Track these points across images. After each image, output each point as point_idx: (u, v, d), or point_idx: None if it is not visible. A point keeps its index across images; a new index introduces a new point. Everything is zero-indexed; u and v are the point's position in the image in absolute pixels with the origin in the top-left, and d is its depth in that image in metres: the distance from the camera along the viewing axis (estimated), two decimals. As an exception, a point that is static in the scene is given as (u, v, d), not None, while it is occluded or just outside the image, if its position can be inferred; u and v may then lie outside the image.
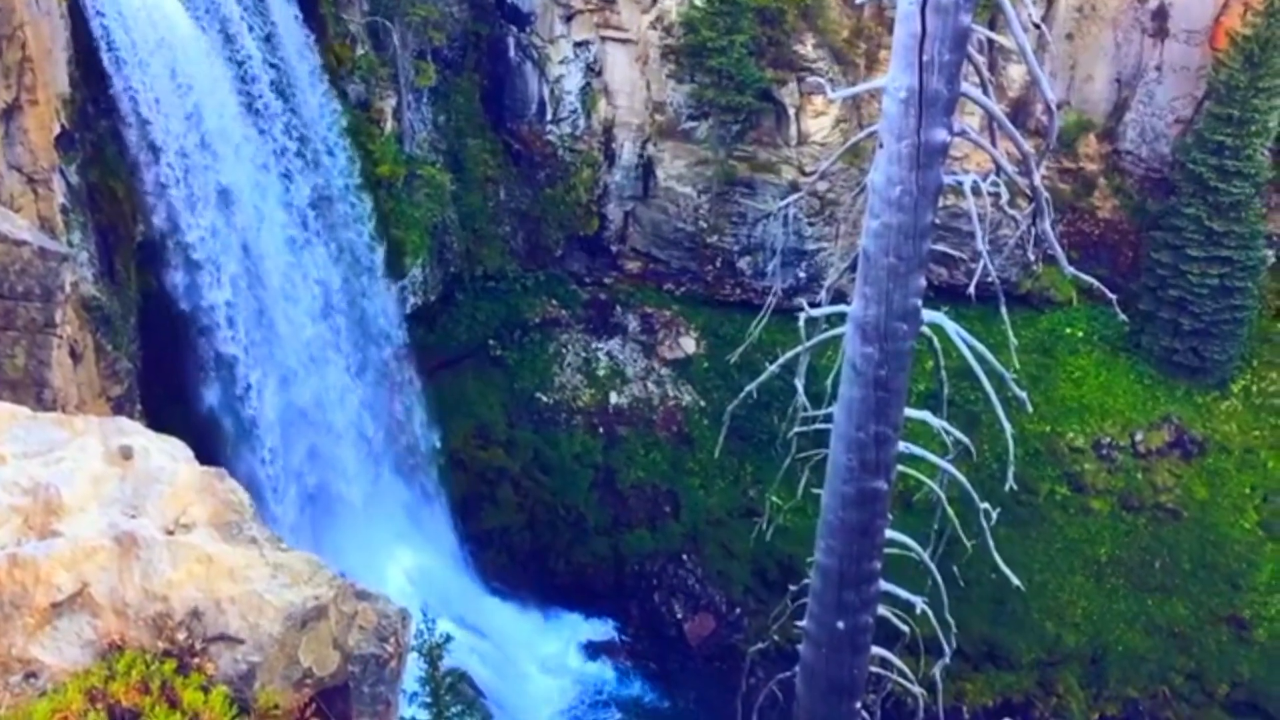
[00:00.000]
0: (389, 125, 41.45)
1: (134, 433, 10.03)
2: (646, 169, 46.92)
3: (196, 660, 8.60)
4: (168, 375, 33.46)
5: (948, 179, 13.71)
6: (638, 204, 47.81)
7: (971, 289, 15.09)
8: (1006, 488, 18.84)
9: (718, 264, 47.53)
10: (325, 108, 37.62)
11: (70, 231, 28.49)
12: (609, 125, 46.61)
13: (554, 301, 48.56)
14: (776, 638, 21.03)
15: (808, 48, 43.18)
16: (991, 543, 16.63)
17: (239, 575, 8.92)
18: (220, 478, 9.84)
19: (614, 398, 47.10)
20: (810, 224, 46.05)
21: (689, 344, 48.18)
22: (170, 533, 9.14)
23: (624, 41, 45.13)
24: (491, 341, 47.44)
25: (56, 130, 27.97)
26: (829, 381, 15.88)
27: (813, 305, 16.25)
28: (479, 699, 35.87)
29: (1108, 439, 44.71)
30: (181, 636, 8.62)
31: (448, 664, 27.37)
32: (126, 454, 9.60)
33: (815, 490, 16.75)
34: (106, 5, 29.23)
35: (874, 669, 17.77)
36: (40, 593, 8.50)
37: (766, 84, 43.26)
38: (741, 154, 44.98)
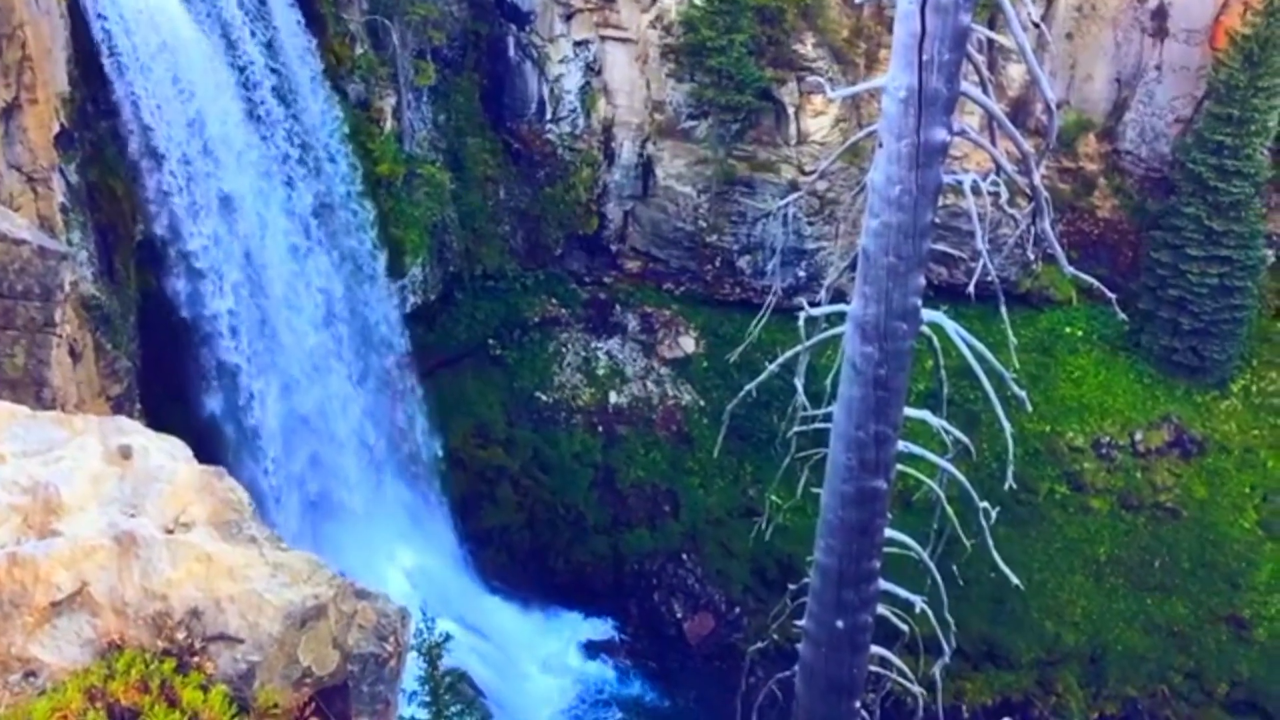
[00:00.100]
0: (388, 124, 41.45)
1: (133, 432, 10.02)
2: (646, 168, 46.92)
3: (196, 659, 8.59)
4: (167, 375, 33.44)
5: (947, 178, 13.71)
6: (637, 203, 47.81)
7: (971, 288, 15.09)
8: (1006, 487, 18.85)
9: (717, 263, 47.53)
10: (327, 114, 37.50)
11: (70, 230, 28.48)
12: (608, 124, 46.62)
13: (553, 301, 48.56)
14: (776, 637, 21.03)
15: (807, 47, 43.18)
16: (991, 542, 16.63)
17: (238, 574, 8.92)
18: (219, 476, 9.84)
19: (613, 397, 47.10)
20: (810, 223, 46.05)
21: (688, 343, 48.18)
22: (170, 532, 9.14)
23: (623, 41, 45.13)
24: (491, 341, 47.44)
25: (56, 129, 27.96)
26: (828, 381, 15.88)
27: (812, 304, 16.24)
28: (478, 698, 35.87)
29: (1107, 438, 44.72)
30: (181, 635, 8.62)
31: (447, 663, 27.38)
32: (126, 453, 9.60)
33: (815, 489, 16.75)
34: (108, 8, 29.02)
35: (873, 668, 17.77)
36: (39, 592, 8.50)
37: (766, 83, 43.26)
38: (741, 153, 44.98)
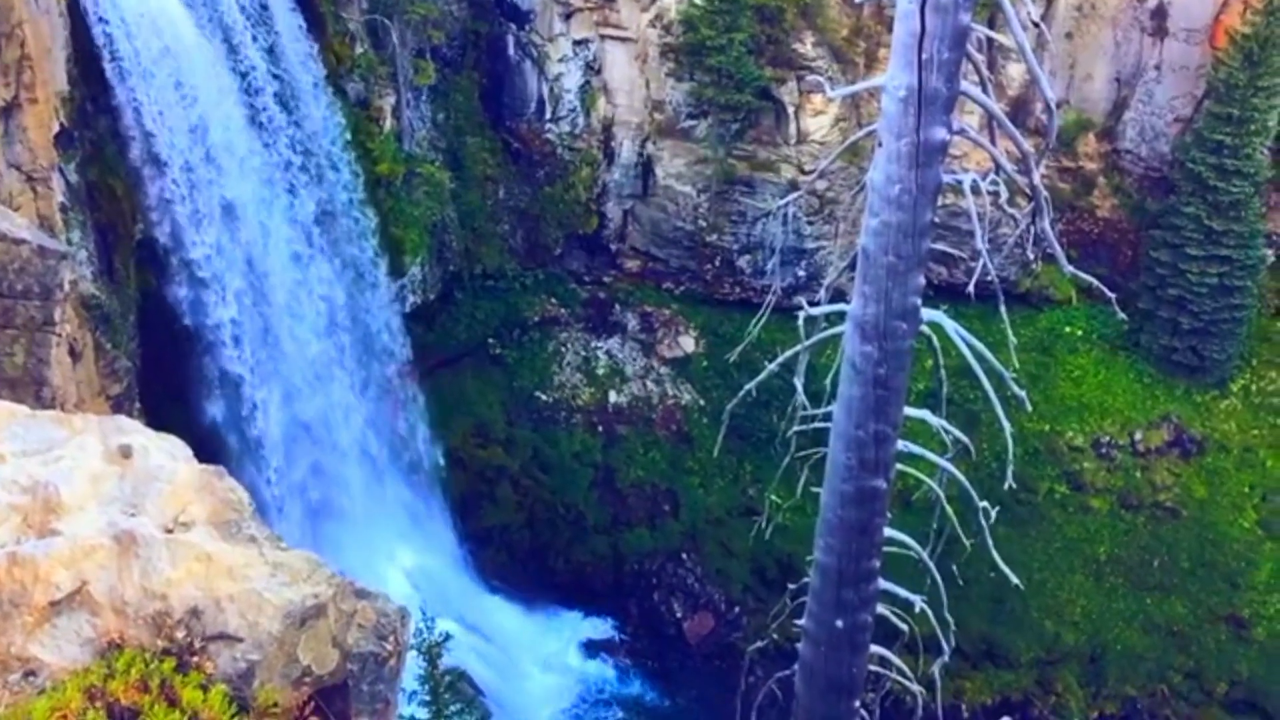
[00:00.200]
0: (388, 123, 41.45)
1: (133, 431, 10.02)
2: (646, 167, 46.92)
3: (195, 658, 8.60)
4: (167, 374, 33.40)
5: (947, 177, 13.70)
6: (637, 202, 47.81)
7: (971, 288, 15.08)
8: (1005, 486, 18.85)
9: (717, 263, 47.53)
10: (329, 120, 37.34)
11: (69, 230, 28.46)
12: (608, 124, 46.61)
13: (553, 300, 48.55)
14: (775, 636, 21.03)
15: (807, 46, 43.18)
16: (990, 541, 16.63)
17: (238, 574, 8.92)
18: (219, 476, 9.84)
19: (613, 396, 47.10)
20: (809, 222, 46.04)
21: (688, 343, 48.18)
22: (169, 531, 9.14)
23: (623, 40, 45.12)
24: (491, 340, 47.44)
25: (55, 128, 27.95)
26: (828, 380, 15.88)
27: (812, 304, 16.23)
28: (478, 697, 35.87)
29: (1107, 438, 44.72)
30: (180, 635, 8.62)
31: (447, 662, 27.39)
32: (125, 452, 9.60)
33: (814, 489, 16.75)
34: (109, 12, 28.73)
35: (873, 667, 17.77)
36: (39, 591, 8.50)
37: (766, 82, 43.26)
38: (741, 152, 44.98)
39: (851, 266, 14.75)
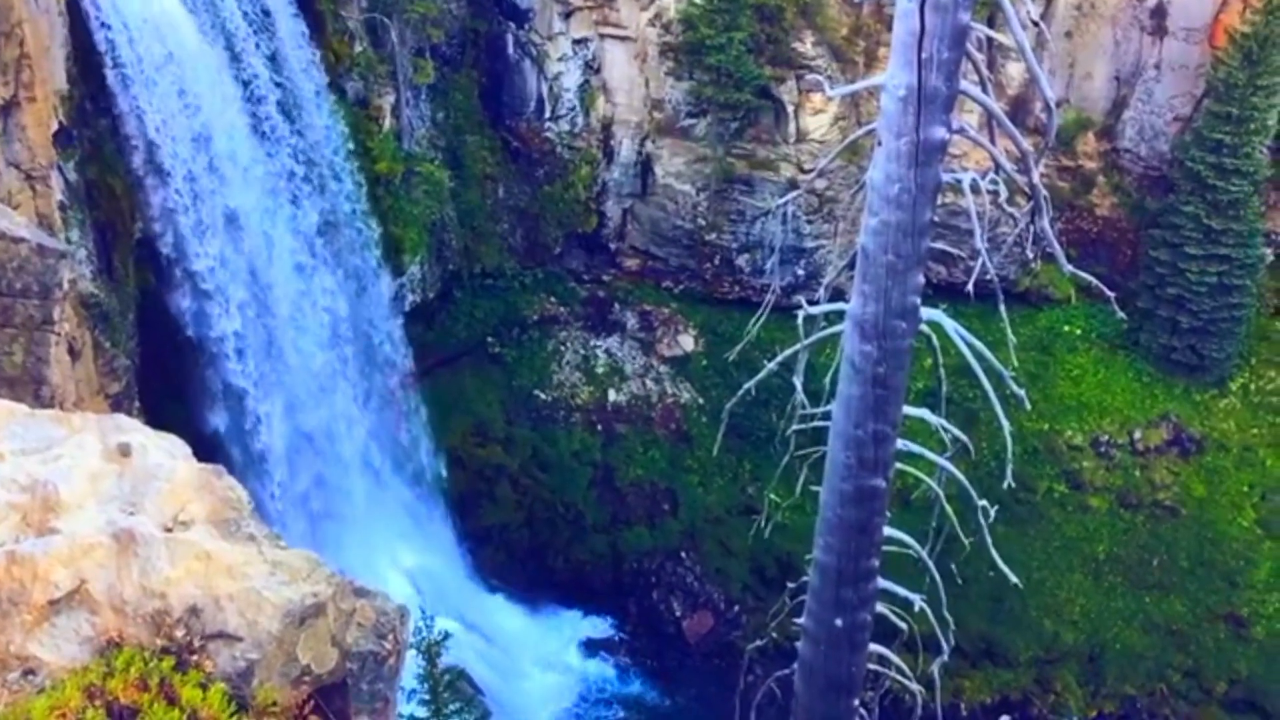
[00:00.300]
0: (387, 122, 41.43)
1: (132, 430, 10.02)
2: (645, 166, 46.91)
3: (195, 657, 8.60)
4: (167, 375, 33.34)
5: (946, 176, 13.70)
6: (636, 201, 47.80)
7: (970, 287, 15.09)
8: (1005, 485, 18.86)
9: (716, 261, 47.53)
10: (332, 130, 37.07)
11: (68, 229, 28.43)
12: (607, 123, 46.60)
13: (552, 299, 48.54)
14: (775, 635, 21.04)
15: (806, 45, 43.18)
16: (990, 540, 16.63)
17: (237, 572, 8.92)
18: (218, 475, 9.85)
19: (612, 395, 47.10)
20: (809, 221, 46.05)
21: (687, 341, 48.18)
22: (168, 530, 9.14)
23: (623, 39, 45.11)
24: (490, 339, 47.43)
25: (54, 127, 27.92)
26: (827, 379, 15.87)
27: (811, 303, 16.23)
28: (477, 696, 35.84)
29: (1106, 437, 44.73)
30: (180, 634, 8.62)
31: (446, 661, 27.37)
32: (125, 451, 9.60)
33: (814, 488, 16.75)
34: (112, 17, 28.36)
35: (872, 666, 17.77)
36: (38, 590, 8.49)
37: (765, 81, 43.26)
38: (740, 151, 44.98)
39: (851, 265, 14.75)
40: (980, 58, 13.48)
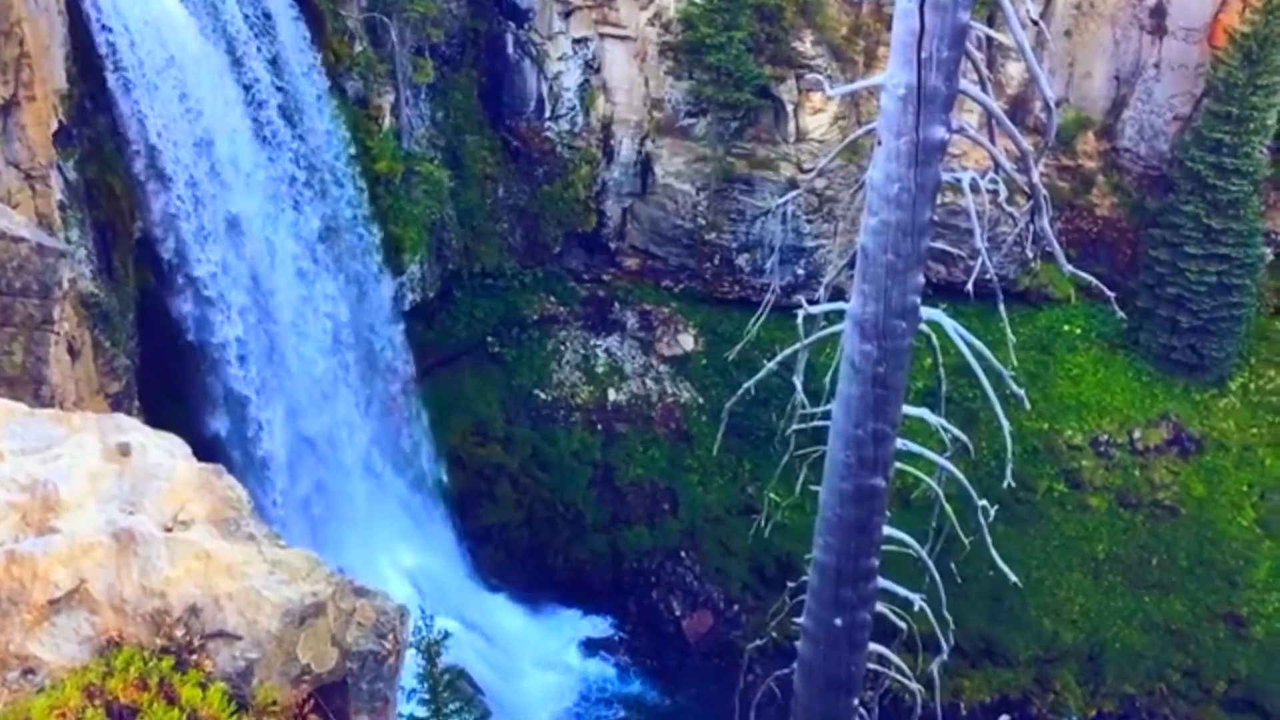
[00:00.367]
0: (387, 122, 41.42)
1: (131, 429, 10.02)
2: (645, 166, 46.91)
3: (194, 657, 8.60)
4: (167, 375, 33.30)
5: (946, 176, 13.70)
6: (636, 201, 47.80)
7: (970, 286, 15.08)
8: (1004, 485, 18.86)
9: (716, 261, 47.53)
10: (333, 135, 36.88)
11: (68, 228, 28.42)
12: (607, 122, 46.60)
13: (552, 298, 48.54)
14: (774, 634, 21.05)
15: (806, 44, 43.17)
16: (989, 540, 16.63)
17: (237, 572, 8.92)
18: (218, 474, 9.85)
19: (612, 395, 47.10)
20: (809, 221, 46.04)
21: (687, 341, 48.17)
22: (168, 529, 9.14)
23: (622, 38, 45.11)
24: (490, 338, 47.43)
25: (54, 126, 27.90)
26: (827, 379, 15.87)
27: (811, 302, 16.23)
28: (477, 696, 35.83)
29: (1106, 436, 44.74)
30: (179, 633, 8.62)
31: (446, 661, 27.35)
32: (124, 450, 9.60)
33: (813, 487, 16.75)
34: (113, 19, 28.13)
35: (872, 665, 17.78)
36: (38, 589, 8.49)
37: (765, 81, 43.26)
38: (740, 151, 44.97)
39: (850, 265, 14.75)
40: (980, 57, 13.49)
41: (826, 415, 15.80)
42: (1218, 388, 44.94)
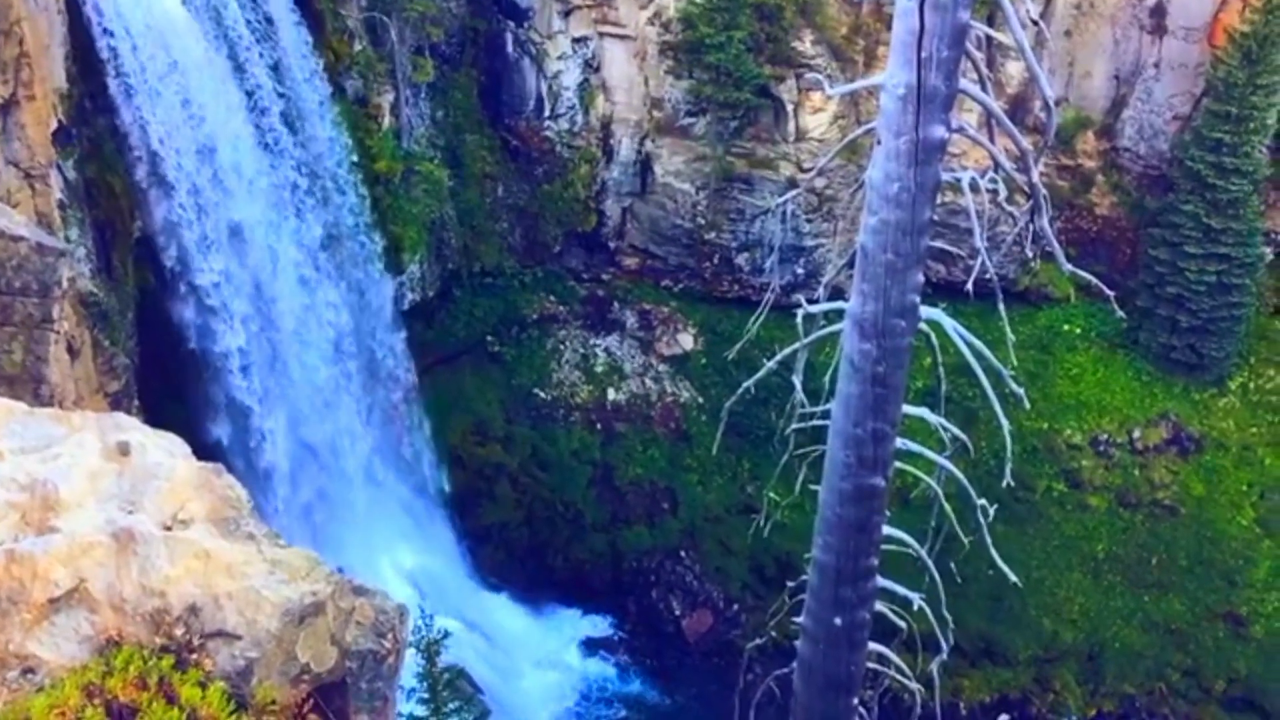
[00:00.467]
0: (386, 121, 41.41)
1: (131, 428, 10.02)
2: (644, 165, 46.91)
3: (194, 656, 8.60)
4: (167, 374, 33.27)
5: (946, 175, 13.70)
6: (636, 200, 47.79)
7: (969, 286, 15.06)
8: (1004, 484, 18.83)
9: (715, 260, 47.53)
10: (335, 142, 36.71)
11: (68, 227, 28.41)
12: (607, 121, 46.59)
13: (552, 298, 48.54)
14: (774, 634, 21.03)
15: (806, 44, 43.17)
16: (989, 539, 16.62)
17: (237, 571, 8.92)
18: (218, 474, 9.85)
19: (612, 394, 47.10)
20: (808, 220, 46.04)
21: (687, 340, 48.17)
22: (168, 529, 9.14)
23: (622, 37, 45.10)
24: (489, 338, 47.43)
25: (54, 125, 27.89)
26: (827, 378, 15.86)
27: (810, 302, 16.22)
28: (477, 695, 35.83)
29: (1105, 436, 44.74)
30: (179, 632, 8.62)
31: (446, 660, 27.35)
32: (124, 450, 9.60)
33: (813, 487, 16.74)
34: (114, 23, 27.89)
35: (871, 665, 17.77)
36: (38, 588, 8.49)
37: (765, 80, 43.26)
38: (739, 150, 44.97)
39: (850, 264, 14.74)
40: (980, 56, 13.48)
41: (826, 414, 15.79)
42: (1217, 387, 44.94)
